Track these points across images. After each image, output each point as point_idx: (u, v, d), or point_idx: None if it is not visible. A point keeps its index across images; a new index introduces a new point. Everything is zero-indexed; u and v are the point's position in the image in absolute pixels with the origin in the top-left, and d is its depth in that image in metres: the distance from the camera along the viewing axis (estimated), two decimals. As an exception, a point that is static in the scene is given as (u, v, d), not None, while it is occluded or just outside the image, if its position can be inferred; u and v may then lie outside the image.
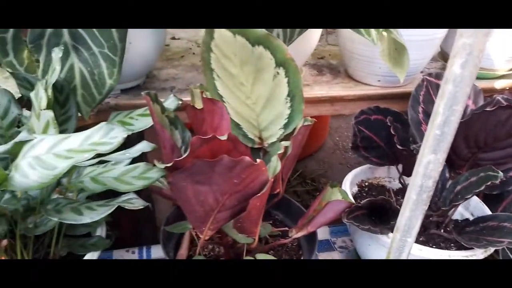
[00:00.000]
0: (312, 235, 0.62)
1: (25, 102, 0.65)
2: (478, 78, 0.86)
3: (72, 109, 0.64)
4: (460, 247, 0.67)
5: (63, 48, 0.58)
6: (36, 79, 0.62)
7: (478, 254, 0.64)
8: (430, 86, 0.76)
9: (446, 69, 0.40)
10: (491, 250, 0.65)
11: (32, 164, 0.45)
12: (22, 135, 0.48)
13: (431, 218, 0.72)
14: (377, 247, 0.67)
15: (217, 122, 0.50)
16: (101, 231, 0.66)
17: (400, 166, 0.79)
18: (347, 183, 0.77)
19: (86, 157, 0.45)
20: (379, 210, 0.66)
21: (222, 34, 0.49)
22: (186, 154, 0.43)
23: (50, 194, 0.60)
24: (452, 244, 0.71)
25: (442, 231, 0.73)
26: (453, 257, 0.63)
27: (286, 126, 0.52)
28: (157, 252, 0.85)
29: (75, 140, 0.47)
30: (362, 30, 0.55)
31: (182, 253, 0.65)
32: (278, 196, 0.60)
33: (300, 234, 0.59)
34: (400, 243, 0.51)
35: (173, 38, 1.07)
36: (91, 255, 0.60)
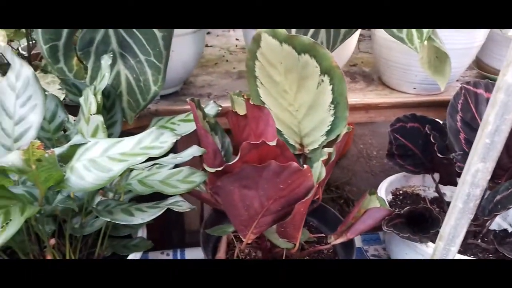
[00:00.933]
0: (350, 242, 0.63)
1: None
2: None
3: (118, 114, 0.66)
4: (498, 258, 0.66)
5: (112, 55, 0.60)
6: (84, 85, 0.65)
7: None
8: (468, 95, 0.75)
9: (498, 78, 0.40)
10: (533, 262, 0.63)
11: (87, 166, 0.47)
12: (77, 138, 0.50)
13: (468, 228, 0.71)
14: (415, 256, 0.67)
15: (262, 128, 0.51)
16: (142, 233, 0.68)
17: (436, 175, 0.78)
18: (382, 191, 0.77)
19: (139, 160, 0.46)
20: (418, 219, 0.65)
21: (268, 43, 0.50)
22: (236, 159, 0.45)
23: (94, 195, 0.63)
24: (490, 255, 0.70)
25: (479, 241, 0.72)
26: (494, 268, 0.62)
27: (328, 133, 0.53)
28: (190, 255, 0.86)
29: (128, 144, 0.49)
30: (405, 38, 0.55)
31: (220, 256, 0.66)
32: (317, 202, 0.61)
33: (339, 241, 0.59)
34: (443, 251, 0.51)
35: (206, 46, 1.10)
36: (134, 256, 0.62)
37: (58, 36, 0.61)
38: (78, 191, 0.50)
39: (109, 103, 0.66)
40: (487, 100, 0.72)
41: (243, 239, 0.54)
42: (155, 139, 0.49)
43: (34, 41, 0.92)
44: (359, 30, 0.80)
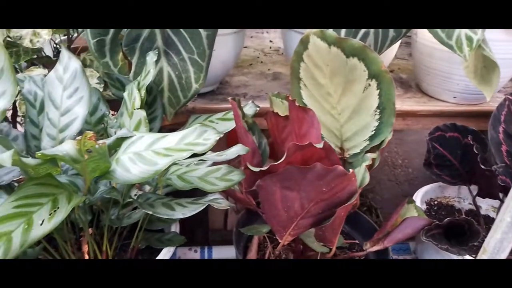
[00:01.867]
0: (385, 251, 0.61)
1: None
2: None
3: (158, 110, 0.67)
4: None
5: (157, 52, 0.61)
6: (127, 80, 0.66)
7: None
8: (512, 106, 0.73)
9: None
10: None
11: (133, 159, 0.48)
12: (123, 132, 0.51)
13: None
14: (450, 268, 0.65)
15: (305, 130, 0.51)
16: (175, 228, 0.68)
17: (473, 187, 0.76)
18: (417, 200, 0.75)
19: (184, 156, 0.47)
20: (456, 231, 0.64)
21: (316, 45, 0.50)
22: (282, 159, 0.44)
23: (131, 188, 0.64)
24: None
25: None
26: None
27: (372, 138, 0.52)
28: (218, 253, 0.87)
29: (172, 139, 0.50)
30: (454, 46, 0.54)
31: (252, 257, 0.66)
32: (354, 208, 0.60)
33: (375, 248, 0.58)
34: (487, 266, 0.49)
35: (241, 46, 1.10)
36: (167, 250, 0.63)
37: (105, 31, 0.62)
38: (123, 183, 0.51)
39: (150, 99, 0.67)
40: (533, 112, 0.70)
41: (279, 240, 0.53)
42: (198, 136, 0.50)
43: (71, 35, 0.94)
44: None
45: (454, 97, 0.80)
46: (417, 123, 0.81)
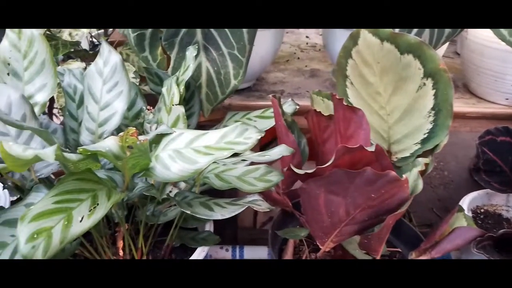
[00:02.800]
0: (430, 260, 0.58)
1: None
2: None
3: (196, 106, 0.66)
4: None
5: (197, 47, 0.60)
6: (166, 75, 0.65)
7: None
8: None
9: None
10: None
11: (173, 157, 0.47)
12: (163, 128, 0.50)
13: None
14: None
15: (352, 131, 0.48)
16: (209, 227, 0.67)
17: (525, 196, 0.71)
18: (464, 208, 0.71)
19: (225, 155, 0.45)
20: (507, 242, 0.59)
21: (367, 40, 0.47)
22: (330, 162, 0.42)
23: (165, 185, 0.63)
24: None
25: None
26: None
27: (424, 141, 0.49)
28: (249, 253, 0.85)
29: (212, 137, 0.48)
30: (518, 43, 0.50)
31: (287, 260, 0.64)
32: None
33: (422, 259, 0.55)
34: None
35: (276, 42, 1.08)
36: (201, 250, 0.61)
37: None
38: (163, 180, 0.50)
39: (188, 95, 0.65)
40: None
41: (320, 246, 0.51)
42: (239, 134, 0.48)
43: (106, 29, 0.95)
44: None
45: (507, 99, 0.75)
46: (465, 126, 0.76)
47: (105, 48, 0.59)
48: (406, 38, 0.45)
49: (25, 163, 0.41)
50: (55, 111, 0.99)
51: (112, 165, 0.59)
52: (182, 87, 0.58)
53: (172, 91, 0.59)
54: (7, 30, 0.58)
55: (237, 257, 0.84)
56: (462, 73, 0.83)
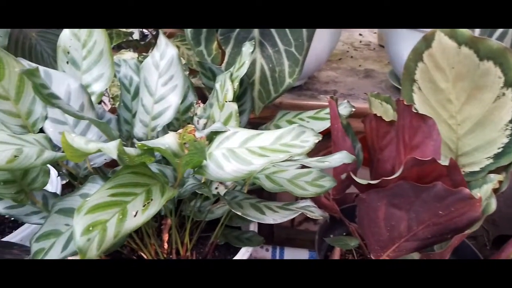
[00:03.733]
0: None
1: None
2: None
3: (247, 103, 0.64)
4: None
5: (254, 43, 0.58)
6: (219, 71, 0.64)
7: None
8: None
9: None
10: None
11: (227, 156, 0.45)
12: (217, 126, 0.49)
13: None
14: None
15: (419, 141, 0.45)
16: (254, 227, 0.66)
17: None
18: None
19: (281, 158, 0.43)
20: None
21: (442, 43, 0.43)
22: (397, 174, 0.39)
23: (211, 182, 0.62)
24: None
25: None
26: None
27: (498, 156, 0.45)
28: (289, 254, 0.83)
29: (267, 138, 0.46)
30: None
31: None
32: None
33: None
34: None
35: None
36: (246, 250, 0.60)
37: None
38: (216, 180, 0.49)
39: (240, 91, 0.64)
40: None
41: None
42: (296, 137, 0.46)
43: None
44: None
45: None
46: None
47: (162, 41, 0.59)
48: (488, 43, 0.41)
49: (84, 154, 0.41)
50: (105, 99, 1.01)
51: (162, 159, 0.59)
52: (236, 84, 0.57)
53: (226, 87, 0.57)
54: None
55: (277, 258, 0.83)
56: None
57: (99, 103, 0.94)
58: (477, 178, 0.47)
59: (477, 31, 0.49)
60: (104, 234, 0.38)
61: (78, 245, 0.37)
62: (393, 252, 0.46)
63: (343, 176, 0.50)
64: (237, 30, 0.60)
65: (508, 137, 0.44)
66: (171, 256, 0.59)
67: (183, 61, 0.91)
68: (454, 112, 0.47)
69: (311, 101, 0.73)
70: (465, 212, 0.39)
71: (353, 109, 0.62)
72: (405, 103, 0.44)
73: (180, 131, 0.39)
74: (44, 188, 0.52)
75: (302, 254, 0.83)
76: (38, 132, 0.50)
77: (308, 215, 0.48)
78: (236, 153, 0.46)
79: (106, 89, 0.93)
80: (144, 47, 1.13)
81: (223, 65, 0.63)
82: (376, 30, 1.09)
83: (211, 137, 0.49)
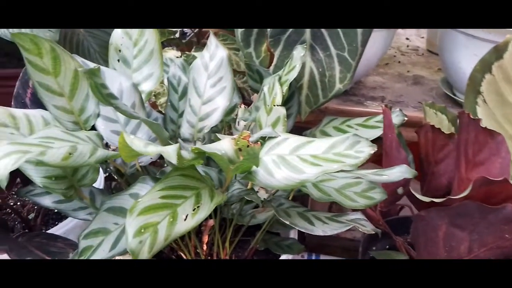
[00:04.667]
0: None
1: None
2: None
3: (294, 108, 0.63)
4: None
5: (305, 46, 0.56)
6: (267, 73, 0.63)
7: None
8: None
9: None
10: None
11: (277, 163, 0.44)
12: (267, 131, 0.48)
13: None
14: None
15: (485, 157, 0.42)
16: (294, 234, 0.64)
17: None
18: None
19: (335, 169, 0.42)
20: None
21: (516, 55, 0.40)
22: (465, 193, 0.37)
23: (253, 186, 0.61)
24: None
25: None
26: None
27: None
28: (325, 264, 0.81)
29: (319, 146, 0.45)
30: None
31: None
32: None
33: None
34: None
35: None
36: (285, 257, 0.59)
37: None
38: (265, 187, 0.48)
39: (287, 95, 0.63)
40: None
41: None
42: (350, 146, 0.44)
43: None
44: None
45: None
46: None
47: (212, 42, 0.58)
48: None
49: (137, 155, 0.41)
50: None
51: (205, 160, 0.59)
52: (285, 88, 0.56)
53: (274, 91, 0.56)
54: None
55: (313, 266, 0.81)
56: None
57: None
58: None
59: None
60: (155, 236, 0.38)
61: (131, 247, 0.36)
62: (449, 274, 0.43)
63: (400, 190, 0.47)
64: (288, 32, 0.59)
65: None
66: (210, 258, 0.59)
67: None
68: (523, 128, 0.43)
69: (357, 107, 0.71)
70: (536, 237, 0.37)
71: (405, 118, 0.59)
72: (470, 116, 0.42)
73: (235, 136, 0.38)
74: (92, 184, 0.52)
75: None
76: (90, 130, 0.51)
77: (359, 229, 0.46)
78: (287, 160, 0.44)
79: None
80: (185, 45, 1.13)
81: (271, 67, 0.62)
82: (424, 34, 1.05)
83: (261, 142, 0.48)
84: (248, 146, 0.40)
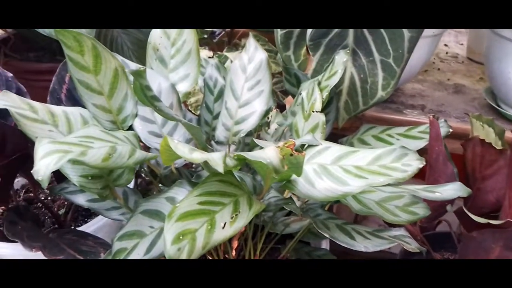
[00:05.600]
0: None
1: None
2: None
3: (332, 114, 0.61)
4: None
5: (348, 51, 0.54)
6: (305, 78, 0.61)
7: None
8: None
9: None
10: None
11: (318, 172, 0.43)
12: (308, 139, 0.46)
13: None
14: None
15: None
16: (326, 244, 0.62)
17: None
18: None
19: (381, 182, 0.40)
20: None
21: None
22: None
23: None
24: None
25: None
26: None
27: None
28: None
29: (363, 157, 0.43)
30: None
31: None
32: None
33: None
34: None
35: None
36: (317, 269, 0.57)
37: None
38: (305, 197, 0.46)
39: (325, 101, 0.61)
40: None
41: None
42: (397, 159, 0.42)
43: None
44: None
45: None
46: None
47: (251, 44, 0.57)
48: None
49: (178, 158, 0.40)
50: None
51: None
52: (325, 94, 0.54)
53: (314, 96, 0.54)
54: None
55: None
56: None
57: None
58: None
59: None
60: (193, 244, 0.37)
61: (169, 254, 0.35)
62: (499, 299, 0.41)
63: (449, 208, 0.45)
64: (331, 36, 0.57)
65: None
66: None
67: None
68: None
69: (396, 115, 0.68)
70: None
71: (451, 130, 0.57)
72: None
73: (279, 145, 0.37)
74: (126, 184, 0.52)
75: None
76: (127, 130, 0.50)
77: (404, 246, 0.44)
78: (329, 170, 0.43)
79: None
80: (216, 45, 1.13)
81: (310, 72, 0.60)
82: (463, 41, 1.01)
83: (299, 149, 0.46)
84: (291, 154, 0.39)
